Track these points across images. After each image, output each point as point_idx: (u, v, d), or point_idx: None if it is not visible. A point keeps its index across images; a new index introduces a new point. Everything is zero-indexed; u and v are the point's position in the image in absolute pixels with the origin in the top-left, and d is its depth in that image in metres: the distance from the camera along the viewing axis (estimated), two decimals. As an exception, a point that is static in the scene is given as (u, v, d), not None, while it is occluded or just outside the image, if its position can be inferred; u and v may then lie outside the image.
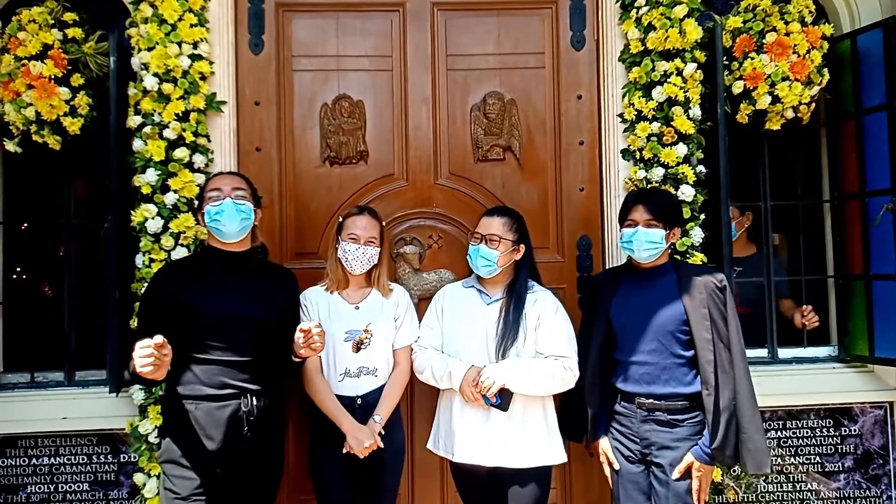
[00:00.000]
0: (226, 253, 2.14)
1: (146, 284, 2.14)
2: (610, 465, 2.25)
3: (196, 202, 2.24)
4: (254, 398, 2.06)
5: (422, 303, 2.51)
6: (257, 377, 2.08)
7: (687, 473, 2.11)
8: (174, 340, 2.01)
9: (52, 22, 2.50)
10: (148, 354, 1.79)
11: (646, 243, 2.15)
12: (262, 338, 2.09)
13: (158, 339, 1.80)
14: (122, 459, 2.68)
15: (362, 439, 2.16)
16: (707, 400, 2.07)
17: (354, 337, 2.25)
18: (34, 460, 2.68)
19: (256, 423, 2.06)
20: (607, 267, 2.70)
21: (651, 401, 2.14)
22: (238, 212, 2.09)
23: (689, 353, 2.13)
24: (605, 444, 2.26)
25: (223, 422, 2.02)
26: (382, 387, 2.29)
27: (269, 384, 2.13)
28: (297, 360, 2.12)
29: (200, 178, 2.51)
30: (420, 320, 2.41)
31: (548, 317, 2.23)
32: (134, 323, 2.44)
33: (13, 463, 2.68)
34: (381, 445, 2.19)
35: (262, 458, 2.12)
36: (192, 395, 2.03)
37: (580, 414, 2.25)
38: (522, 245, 2.29)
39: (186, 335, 2.02)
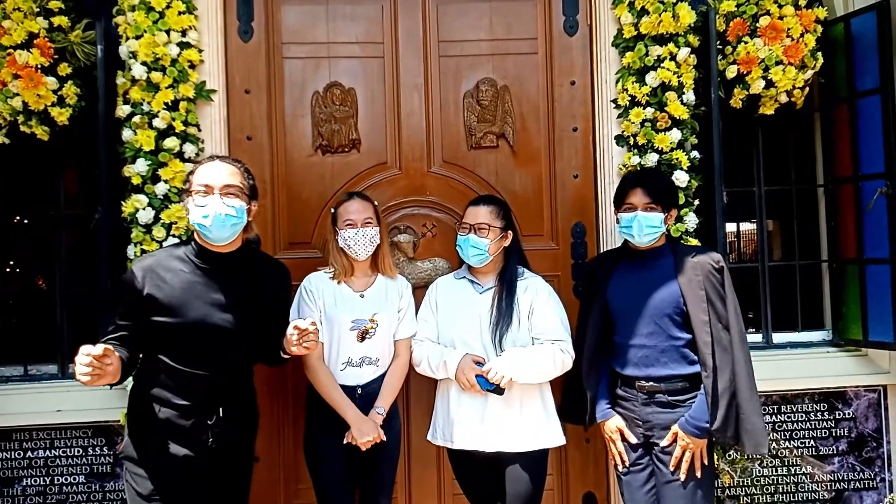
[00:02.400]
0: (211, 253, 1.96)
1: (124, 277, 1.98)
2: (624, 440, 2.18)
3: (184, 186, 2.05)
4: (222, 409, 1.96)
5: (416, 291, 2.49)
6: (230, 387, 1.98)
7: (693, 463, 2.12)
8: (148, 342, 1.93)
9: (38, 10, 2.46)
10: (87, 364, 1.65)
11: (646, 228, 2.15)
12: (246, 347, 2.00)
13: (99, 349, 1.67)
14: (117, 451, 2.67)
15: (366, 431, 2.15)
16: (706, 382, 2.07)
17: (360, 326, 2.23)
18: (29, 453, 2.67)
19: (222, 434, 1.96)
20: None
21: (651, 383, 2.14)
22: (227, 217, 1.89)
23: (687, 336, 2.13)
24: (615, 421, 2.21)
25: (187, 431, 1.92)
26: (382, 377, 2.28)
27: (241, 392, 2.04)
28: (286, 356, 2.04)
29: (191, 168, 2.47)
30: (415, 310, 2.40)
31: (541, 302, 2.24)
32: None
33: (8, 456, 2.67)
34: (384, 439, 2.19)
35: (228, 467, 2.02)
36: (160, 398, 1.93)
37: (583, 397, 2.26)
38: (510, 231, 2.31)
39: (159, 341, 1.92)
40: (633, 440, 2.18)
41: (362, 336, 2.23)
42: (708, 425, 2.07)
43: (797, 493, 2.87)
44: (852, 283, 2.84)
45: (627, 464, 2.20)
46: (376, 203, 2.34)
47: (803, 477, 2.88)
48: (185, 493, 1.94)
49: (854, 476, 2.89)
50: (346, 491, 2.25)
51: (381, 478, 2.28)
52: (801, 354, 2.90)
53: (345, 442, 2.18)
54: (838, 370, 2.89)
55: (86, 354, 1.66)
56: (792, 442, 2.88)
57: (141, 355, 1.96)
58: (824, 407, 2.89)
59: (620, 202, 2.22)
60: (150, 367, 1.95)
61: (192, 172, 2.00)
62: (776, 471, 2.87)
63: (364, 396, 2.23)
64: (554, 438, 2.24)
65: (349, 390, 2.22)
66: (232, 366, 1.99)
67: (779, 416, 2.87)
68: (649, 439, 2.17)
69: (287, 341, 1.93)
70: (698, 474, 2.10)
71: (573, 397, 2.30)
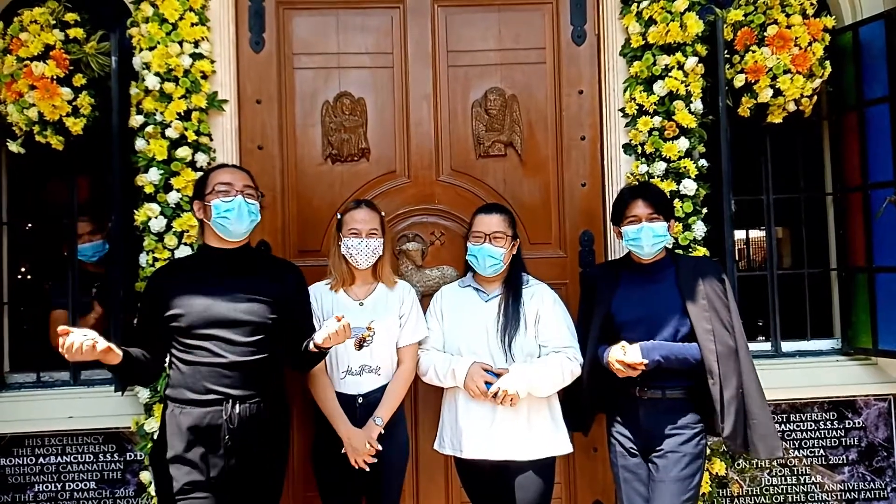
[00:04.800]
0: (222, 252, 2.07)
1: (145, 285, 2.10)
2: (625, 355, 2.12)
3: (195, 191, 2.13)
4: (237, 405, 1.95)
5: (424, 299, 2.51)
6: (247, 382, 1.98)
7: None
8: (167, 342, 2.01)
9: (54, 22, 2.50)
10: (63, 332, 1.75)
11: (653, 238, 2.16)
12: (258, 339, 2.00)
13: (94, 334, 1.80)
14: (128, 458, 2.70)
15: (357, 446, 2.14)
16: (713, 389, 2.08)
17: (357, 334, 2.21)
18: (41, 459, 2.70)
19: (239, 432, 1.95)
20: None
21: (652, 391, 2.15)
22: (248, 212, 2.04)
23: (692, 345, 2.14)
24: (616, 348, 2.14)
25: (203, 428, 1.94)
26: (385, 385, 2.27)
27: (262, 388, 2.02)
28: (316, 350, 1.99)
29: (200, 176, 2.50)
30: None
31: (547, 309, 2.26)
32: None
33: (20, 462, 2.69)
34: (379, 448, 2.17)
35: (251, 467, 2.01)
36: (178, 398, 1.97)
37: (581, 405, 2.27)
38: (517, 239, 2.33)
39: (175, 337, 1.99)
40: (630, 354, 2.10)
41: (360, 344, 2.22)
42: (655, 365, 2.08)
43: (806, 502, 2.85)
44: (861, 292, 2.83)
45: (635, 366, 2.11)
46: (383, 214, 2.36)
47: (813, 486, 2.86)
48: (209, 494, 1.95)
49: (864, 486, 2.87)
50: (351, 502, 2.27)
51: (386, 490, 2.28)
52: (811, 363, 2.89)
53: (342, 452, 2.18)
54: (848, 379, 2.88)
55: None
56: (801, 451, 2.87)
57: (166, 361, 2.04)
58: (834, 416, 2.87)
59: (621, 216, 2.24)
60: (172, 368, 2.02)
61: (205, 178, 2.10)
62: (785, 480, 2.86)
63: (365, 405, 2.23)
64: (562, 446, 2.25)
65: (350, 399, 2.22)
66: (246, 357, 1.98)
67: (788, 425, 2.86)
68: (647, 446, 2.18)
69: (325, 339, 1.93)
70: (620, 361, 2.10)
71: (572, 406, 2.30)
